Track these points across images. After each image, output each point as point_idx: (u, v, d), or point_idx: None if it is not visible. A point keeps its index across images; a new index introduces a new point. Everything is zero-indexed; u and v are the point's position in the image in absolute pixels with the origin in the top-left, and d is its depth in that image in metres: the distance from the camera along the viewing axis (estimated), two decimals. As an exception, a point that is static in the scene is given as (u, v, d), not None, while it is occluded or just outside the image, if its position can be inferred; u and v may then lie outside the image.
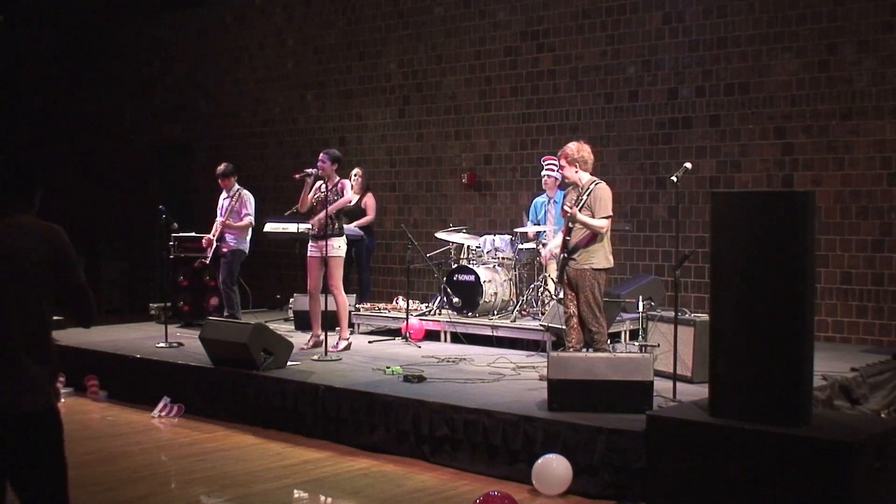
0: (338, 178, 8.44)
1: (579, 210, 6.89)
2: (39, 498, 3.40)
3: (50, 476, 3.42)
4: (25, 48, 16.22)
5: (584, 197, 6.93)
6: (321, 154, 8.47)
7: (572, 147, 7.07)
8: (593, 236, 6.91)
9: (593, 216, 6.87)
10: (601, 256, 6.94)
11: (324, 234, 8.36)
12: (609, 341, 7.14)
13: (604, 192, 6.94)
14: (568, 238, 7.02)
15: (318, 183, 8.54)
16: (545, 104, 10.95)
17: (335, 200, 8.33)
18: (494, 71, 11.36)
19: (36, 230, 3.47)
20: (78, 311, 3.56)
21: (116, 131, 15.74)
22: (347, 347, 8.61)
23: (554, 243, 7.48)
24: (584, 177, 7.03)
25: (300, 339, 8.76)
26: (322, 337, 8.39)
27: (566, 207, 7.01)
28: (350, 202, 9.06)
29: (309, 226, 8.60)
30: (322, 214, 8.28)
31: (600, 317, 6.96)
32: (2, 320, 3.35)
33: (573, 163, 7.02)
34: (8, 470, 3.38)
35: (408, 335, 9.20)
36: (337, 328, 8.63)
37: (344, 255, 8.58)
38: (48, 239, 3.46)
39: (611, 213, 6.94)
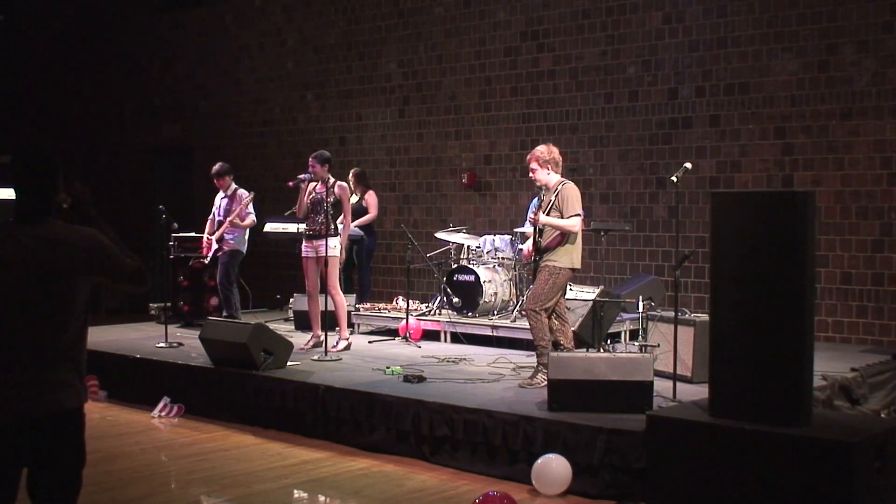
0: (332, 179, 8.44)
1: (549, 212, 6.85)
2: (53, 495, 3.40)
3: (70, 471, 3.41)
4: (25, 48, 16.20)
5: (553, 199, 6.88)
6: (310, 158, 8.52)
7: (542, 149, 6.99)
8: (563, 237, 6.86)
9: (563, 217, 6.82)
10: (563, 253, 6.85)
11: (320, 233, 8.40)
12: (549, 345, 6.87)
13: (571, 191, 6.86)
14: (540, 240, 6.95)
15: (312, 185, 8.55)
16: (545, 104, 10.94)
17: (332, 201, 8.35)
18: (494, 71, 11.36)
19: (70, 240, 3.38)
20: (138, 287, 3.54)
21: (116, 131, 15.73)
22: (347, 347, 8.62)
23: (528, 245, 7.40)
24: (554, 178, 6.96)
25: (300, 339, 8.77)
26: (322, 337, 8.40)
27: (531, 215, 7.00)
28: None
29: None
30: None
31: (540, 313, 6.81)
32: (42, 331, 3.33)
33: (545, 164, 6.94)
34: (32, 467, 3.36)
35: (407, 335, 9.21)
36: (337, 328, 8.64)
37: (338, 254, 8.62)
38: (84, 248, 3.39)
39: (579, 212, 6.84)
